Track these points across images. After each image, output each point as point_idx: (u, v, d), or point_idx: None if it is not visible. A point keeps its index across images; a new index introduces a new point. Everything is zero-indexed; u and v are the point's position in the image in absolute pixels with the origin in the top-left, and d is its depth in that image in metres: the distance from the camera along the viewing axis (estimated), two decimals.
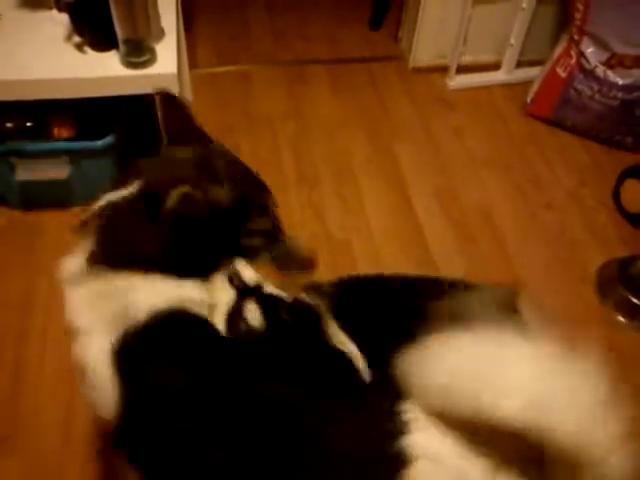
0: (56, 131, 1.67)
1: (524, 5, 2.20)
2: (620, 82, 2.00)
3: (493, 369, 0.68)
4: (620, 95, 2.02)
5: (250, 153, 2.06)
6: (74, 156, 1.69)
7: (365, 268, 1.75)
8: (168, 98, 0.96)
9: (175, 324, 0.84)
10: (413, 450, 0.72)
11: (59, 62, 1.52)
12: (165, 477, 0.86)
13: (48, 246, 1.73)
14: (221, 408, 0.80)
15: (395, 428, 0.74)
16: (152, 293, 0.83)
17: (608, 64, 2.00)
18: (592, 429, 0.65)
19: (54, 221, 1.78)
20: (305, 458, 0.77)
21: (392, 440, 0.73)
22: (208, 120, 2.24)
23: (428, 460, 0.72)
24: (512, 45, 2.31)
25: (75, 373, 0.84)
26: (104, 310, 0.83)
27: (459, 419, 0.71)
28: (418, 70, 2.40)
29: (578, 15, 2.01)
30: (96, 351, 0.82)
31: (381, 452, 0.74)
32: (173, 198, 0.81)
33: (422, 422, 0.74)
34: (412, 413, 0.74)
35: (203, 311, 0.86)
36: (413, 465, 0.72)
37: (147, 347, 0.82)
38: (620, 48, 1.96)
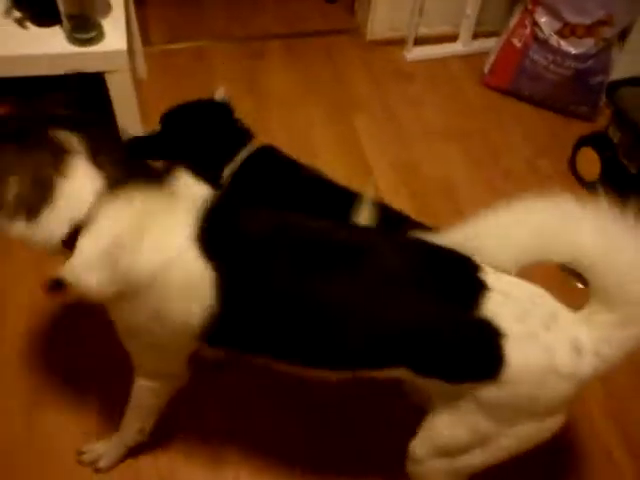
0: None
1: None
2: (573, 51, 2.02)
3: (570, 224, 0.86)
4: (573, 65, 2.04)
5: None
6: None
7: None
8: None
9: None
10: (488, 283, 0.87)
11: None
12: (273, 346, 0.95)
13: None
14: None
15: (471, 264, 0.90)
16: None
17: (561, 34, 2.01)
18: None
19: None
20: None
21: (470, 272, 0.89)
22: (163, 97, 2.19)
23: (500, 293, 0.86)
24: (468, 16, 2.31)
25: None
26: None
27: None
28: (375, 43, 2.39)
29: None
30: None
31: (462, 279, 0.89)
32: None
33: (492, 270, 0.90)
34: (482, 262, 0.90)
35: None
36: (488, 293, 0.86)
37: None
38: (572, 17, 1.98)
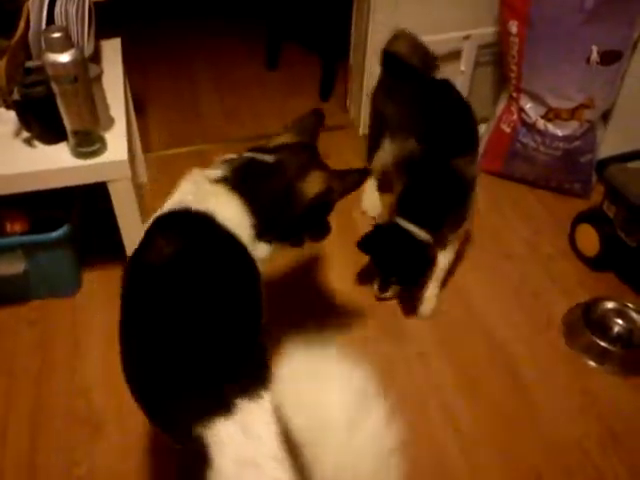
0: (8, 226, 1.65)
1: (463, 68, 2.31)
2: (560, 133, 2.08)
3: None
4: (562, 145, 2.10)
5: None
6: (29, 250, 1.66)
7: None
8: None
9: None
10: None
11: (8, 158, 1.52)
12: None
13: (7, 343, 1.68)
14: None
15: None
16: None
17: (546, 118, 2.09)
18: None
19: (12, 317, 1.73)
20: None
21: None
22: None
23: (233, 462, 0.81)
24: None
25: None
26: None
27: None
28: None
29: (513, 75, 2.11)
30: None
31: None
32: None
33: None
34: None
35: None
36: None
37: None
38: (555, 103, 2.05)
